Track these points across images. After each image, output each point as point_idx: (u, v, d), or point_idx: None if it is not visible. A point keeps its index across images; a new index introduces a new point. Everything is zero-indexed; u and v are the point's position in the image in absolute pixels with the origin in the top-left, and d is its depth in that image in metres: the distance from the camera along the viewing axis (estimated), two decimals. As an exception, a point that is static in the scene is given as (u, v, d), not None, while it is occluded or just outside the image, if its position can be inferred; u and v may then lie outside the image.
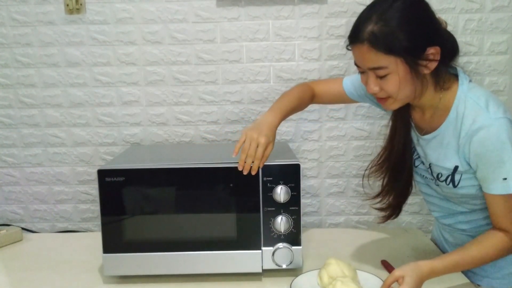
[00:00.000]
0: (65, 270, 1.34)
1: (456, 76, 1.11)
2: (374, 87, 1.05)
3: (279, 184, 1.21)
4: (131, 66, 1.71)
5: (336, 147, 1.75)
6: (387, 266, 1.27)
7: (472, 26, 1.67)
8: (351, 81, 1.33)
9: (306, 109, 1.71)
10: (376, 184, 1.31)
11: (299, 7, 1.67)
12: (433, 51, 1.01)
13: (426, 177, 1.22)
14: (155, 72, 1.71)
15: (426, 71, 1.03)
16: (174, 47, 1.69)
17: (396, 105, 1.09)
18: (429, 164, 1.16)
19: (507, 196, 1.04)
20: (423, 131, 1.17)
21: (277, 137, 1.74)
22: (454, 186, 1.13)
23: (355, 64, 1.09)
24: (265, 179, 1.22)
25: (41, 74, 1.71)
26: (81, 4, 1.66)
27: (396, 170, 1.24)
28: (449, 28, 1.70)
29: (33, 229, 1.79)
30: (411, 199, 1.76)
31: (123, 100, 1.73)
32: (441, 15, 1.68)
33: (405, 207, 1.79)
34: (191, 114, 1.73)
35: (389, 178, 1.26)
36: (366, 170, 1.28)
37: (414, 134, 1.21)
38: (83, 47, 1.70)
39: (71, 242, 1.57)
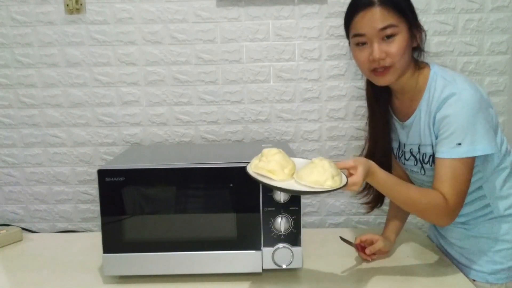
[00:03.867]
0: (65, 270, 1.34)
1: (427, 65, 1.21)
2: (381, 53, 1.11)
3: (279, 184, 1.21)
4: (131, 66, 1.71)
5: (336, 147, 1.75)
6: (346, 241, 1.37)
7: (472, 26, 1.67)
8: None
9: (306, 108, 1.72)
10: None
11: (299, 7, 1.67)
12: (419, 24, 1.16)
13: (415, 171, 1.26)
14: (155, 72, 1.71)
15: (418, 40, 1.16)
16: (174, 47, 1.69)
17: (394, 76, 1.14)
18: (418, 147, 1.20)
19: (454, 161, 1.08)
20: (404, 117, 1.23)
21: (277, 137, 1.75)
22: None
23: (356, 35, 1.14)
24: (265, 179, 1.22)
25: (41, 74, 1.71)
26: (81, 4, 1.66)
27: (377, 163, 1.27)
28: (449, 28, 1.72)
29: (33, 229, 1.79)
30: (411, 199, 1.77)
31: (123, 100, 1.73)
32: (441, 15, 1.69)
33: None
34: (191, 114, 1.74)
35: None
36: None
37: (396, 125, 1.27)
38: (83, 47, 1.70)
39: (71, 242, 1.57)
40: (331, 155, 1.75)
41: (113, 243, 1.24)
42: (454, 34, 1.68)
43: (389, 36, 1.10)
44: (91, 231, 1.80)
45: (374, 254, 1.33)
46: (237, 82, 1.71)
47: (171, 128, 1.74)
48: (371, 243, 1.33)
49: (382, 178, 1.09)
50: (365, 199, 1.36)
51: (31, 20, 1.68)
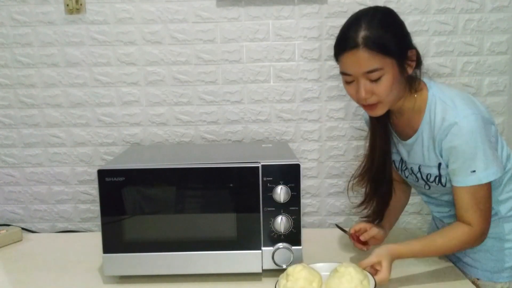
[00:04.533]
0: (65, 270, 1.34)
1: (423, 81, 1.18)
2: (367, 94, 1.09)
3: (279, 184, 1.21)
4: (131, 66, 1.71)
5: (336, 147, 1.75)
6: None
7: (472, 26, 1.67)
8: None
9: (306, 108, 1.72)
10: (361, 193, 1.36)
11: (299, 7, 1.67)
12: (412, 53, 1.11)
13: (418, 185, 1.27)
14: (155, 72, 1.71)
15: (410, 71, 1.11)
16: (174, 47, 1.69)
17: (384, 110, 1.14)
18: (419, 167, 1.20)
19: (472, 188, 1.09)
20: (404, 136, 1.22)
21: (277, 137, 1.75)
22: (444, 186, 1.17)
23: (343, 73, 1.12)
24: (265, 179, 1.22)
25: (41, 74, 1.71)
26: (81, 4, 1.66)
27: (377, 179, 1.29)
28: (449, 28, 1.72)
29: (33, 229, 1.79)
30: (411, 199, 1.76)
31: (123, 100, 1.73)
32: (441, 15, 1.69)
33: (405, 207, 1.80)
34: (191, 114, 1.73)
35: (371, 187, 1.31)
36: (349, 181, 1.32)
37: (396, 141, 1.26)
38: (83, 47, 1.70)
39: (71, 242, 1.57)
40: (331, 155, 1.75)
41: (113, 243, 1.24)
42: (454, 34, 1.68)
43: (374, 79, 1.07)
44: (91, 231, 1.80)
45: (368, 243, 1.33)
46: (237, 82, 1.71)
47: (171, 128, 1.74)
48: (365, 231, 1.33)
49: (408, 253, 1.14)
50: (364, 212, 1.35)
51: (31, 20, 1.68)
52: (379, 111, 1.13)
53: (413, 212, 1.79)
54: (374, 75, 1.06)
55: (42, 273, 1.33)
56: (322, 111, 1.73)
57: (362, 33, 1.05)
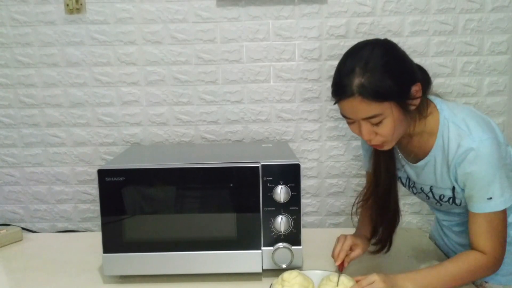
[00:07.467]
0: (65, 270, 1.34)
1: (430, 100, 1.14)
2: (369, 135, 1.07)
3: (279, 184, 1.22)
4: (131, 66, 1.71)
5: (336, 147, 1.75)
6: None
7: (472, 26, 1.67)
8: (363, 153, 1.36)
9: (306, 108, 1.72)
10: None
11: (299, 7, 1.67)
12: (416, 88, 1.05)
13: (428, 202, 1.25)
14: (155, 72, 1.71)
15: (413, 107, 1.07)
16: (174, 47, 1.69)
17: (391, 145, 1.11)
18: (430, 188, 1.18)
19: (488, 215, 1.06)
20: (412, 156, 1.18)
21: (277, 137, 1.75)
22: (458, 205, 1.16)
23: (343, 115, 1.09)
24: (265, 179, 1.22)
25: (41, 74, 1.71)
26: (81, 4, 1.66)
27: (383, 204, 1.25)
28: (449, 28, 1.72)
29: (33, 229, 1.79)
30: (411, 199, 1.77)
31: (123, 100, 1.73)
32: (441, 15, 1.69)
33: (405, 207, 1.80)
34: (191, 114, 1.74)
35: (376, 213, 1.27)
36: (353, 206, 1.28)
37: (403, 162, 1.22)
38: (83, 47, 1.70)
39: (71, 242, 1.57)
40: (331, 155, 1.75)
41: (113, 243, 1.24)
42: (454, 34, 1.68)
43: (375, 123, 1.04)
44: (91, 231, 1.80)
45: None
46: (237, 82, 1.71)
47: (171, 128, 1.75)
48: (350, 249, 1.26)
49: (418, 276, 1.08)
50: (371, 240, 1.31)
51: (31, 20, 1.68)
52: (386, 147, 1.11)
53: (413, 212, 1.79)
54: (374, 120, 1.03)
55: (42, 273, 1.33)
56: (322, 111, 1.73)
57: (356, 81, 1.00)
